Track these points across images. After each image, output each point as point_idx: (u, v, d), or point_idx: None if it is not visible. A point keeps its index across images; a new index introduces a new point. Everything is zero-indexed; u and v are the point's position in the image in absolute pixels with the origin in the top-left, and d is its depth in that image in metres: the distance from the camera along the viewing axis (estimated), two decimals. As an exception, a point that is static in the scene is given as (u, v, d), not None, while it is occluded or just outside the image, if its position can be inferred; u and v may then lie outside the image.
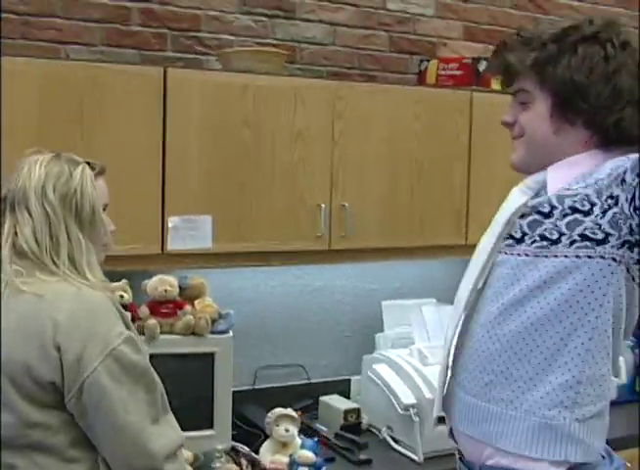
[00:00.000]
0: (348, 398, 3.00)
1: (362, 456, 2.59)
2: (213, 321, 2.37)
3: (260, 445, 2.51)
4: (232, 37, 2.83)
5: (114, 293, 2.27)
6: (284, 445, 2.43)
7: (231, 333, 2.40)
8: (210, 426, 2.35)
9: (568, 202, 1.65)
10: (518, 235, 1.70)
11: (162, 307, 2.31)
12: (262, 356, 2.99)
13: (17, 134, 2.20)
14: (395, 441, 2.70)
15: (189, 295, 2.39)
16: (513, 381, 1.67)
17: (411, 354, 2.78)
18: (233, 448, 2.44)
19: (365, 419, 2.85)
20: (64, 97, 2.26)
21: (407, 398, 2.62)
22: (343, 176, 2.66)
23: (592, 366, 1.64)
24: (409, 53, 3.16)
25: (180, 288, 2.37)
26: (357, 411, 2.83)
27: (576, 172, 1.68)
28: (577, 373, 1.64)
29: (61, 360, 1.61)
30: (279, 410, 2.45)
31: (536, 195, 1.73)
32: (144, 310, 2.30)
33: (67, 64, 2.30)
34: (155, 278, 2.34)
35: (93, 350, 1.62)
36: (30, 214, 1.72)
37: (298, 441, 2.44)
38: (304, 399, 2.94)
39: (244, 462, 2.32)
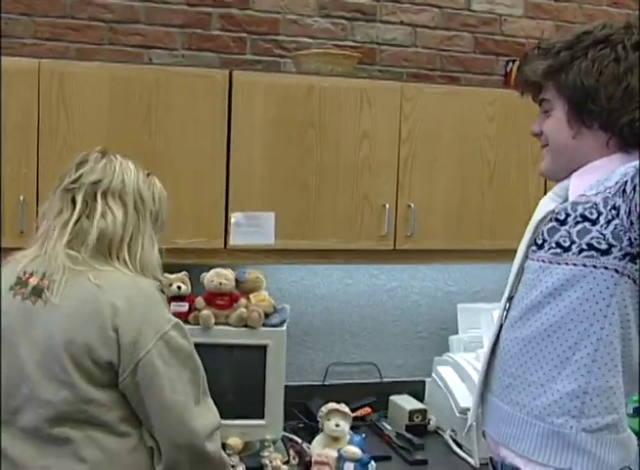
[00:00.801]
0: (422, 399, 3.00)
1: (418, 457, 2.60)
2: (268, 315, 2.45)
3: (318, 438, 2.58)
4: (310, 40, 2.91)
5: (173, 284, 2.41)
6: (335, 439, 2.48)
7: (285, 327, 2.47)
8: (261, 416, 2.43)
9: (580, 209, 1.63)
10: (539, 241, 1.69)
11: (218, 299, 2.41)
12: (335, 353, 3.05)
13: (88, 134, 2.38)
14: (458, 444, 2.69)
15: (245, 288, 2.48)
16: (527, 385, 1.67)
17: (477, 358, 2.76)
18: (286, 439, 2.52)
19: (433, 421, 2.84)
20: (133, 99, 2.41)
21: (465, 401, 2.60)
22: (410, 177, 2.67)
23: (599, 377, 1.61)
24: (495, 54, 3.12)
25: (237, 281, 2.47)
26: (424, 412, 2.83)
27: (596, 178, 1.65)
28: (584, 383, 1.61)
29: (118, 342, 1.75)
30: (331, 405, 2.50)
31: (564, 201, 1.71)
32: (200, 301, 2.41)
33: (136, 67, 2.44)
34: (212, 271, 2.45)
35: (147, 333, 1.76)
36: (125, 206, 1.86)
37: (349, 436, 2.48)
38: (372, 396, 2.98)
39: (292, 453, 2.38)
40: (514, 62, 3.05)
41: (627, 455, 1.66)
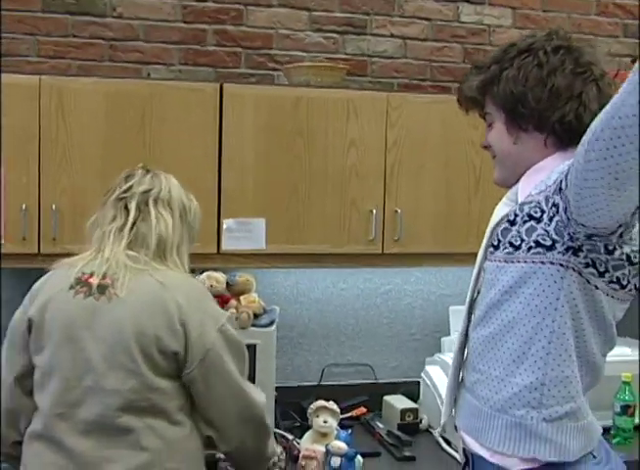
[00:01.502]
0: (416, 399, 3.09)
1: (406, 453, 2.69)
2: (257, 316, 2.56)
3: (310, 435, 2.68)
4: (303, 53, 3.03)
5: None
6: (323, 435, 2.58)
7: (274, 327, 2.58)
8: (251, 413, 2.54)
9: (526, 209, 1.73)
10: (495, 243, 1.80)
11: (210, 301, 2.53)
12: (330, 355, 3.15)
13: (86, 145, 2.52)
14: (447, 441, 2.77)
15: (236, 290, 2.59)
16: (491, 380, 1.77)
17: (465, 358, 2.84)
18: (278, 435, 2.62)
19: (425, 419, 2.93)
20: (127, 112, 2.54)
21: (450, 399, 2.68)
22: (397, 183, 2.78)
23: (554, 368, 1.70)
24: (484, 64, 3.21)
25: (228, 284, 2.58)
26: (415, 411, 2.92)
27: (540, 178, 1.75)
28: (541, 375, 1.71)
29: (186, 335, 1.92)
30: (320, 402, 2.60)
31: (516, 205, 1.81)
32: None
33: (130, 82, 2.58)
34: (204, 274, 2.56)
35: (209, 326, 1.96)
36: (172, 214, 2.06)
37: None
38: (368, 397, 3.07)
39: (280, 449, 2.48)
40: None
41: (589, 442, 1.74)
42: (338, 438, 2.52)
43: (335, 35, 3.06)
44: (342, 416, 2.94)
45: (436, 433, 2.82)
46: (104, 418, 1.89)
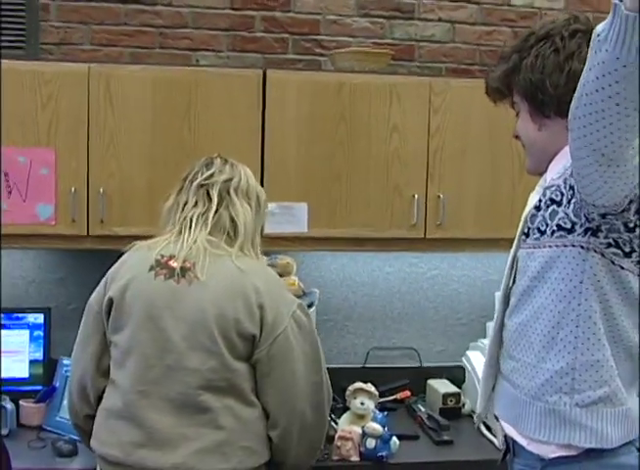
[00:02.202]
0: (461, 384, 3.09)
1: (445, 437, 2.71)
2: (297, 298, 2.60)
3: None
4: (350, 39, 3.05)
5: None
6: (360, 416, 2.61)
7: (313, 309, 2.62)
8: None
9: (548, 193, 1.73)
10: (526, 230, 1.80)
11: (250, 283, 2.59)
12: (376, 338, 3.18)
13: (133, 130, 2.60)
14: (487, 426, 2.77)
15: (276, 273, 2.63)
16: (524, 368, 1.78)
17: (508, 344, 2.83)
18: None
19: (467, 404, 2.94)
20: (173, 98, 2.61)
21: (490, 384, 2.68)
22: (440, 168, 2.78)
23: (584, 352, 1.69)
24: (535, 47, 3.17)
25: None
26: (457, 396, 2.93)
27: (564, 162, 1.74)
28: (571, 360, 1.70)
29: (262, 318, 2.00)
30: (357, 384, 2.63)
31: None
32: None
33: (175, 69, 2.65)
34: (245, 257, 2.62)
35: (283, 311, 2.04)
36: (250, 204, 2.14)
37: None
38: (412, 380, 3.09)
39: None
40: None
41: (631, 430, 1.72)
42: (374, 420, 2.56)
43: (382, 20, 3.07)
44: (385, 399, 2.99)
45: (475, 418, 2.82)
46: (184, 396, 1.98)
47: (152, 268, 2.03)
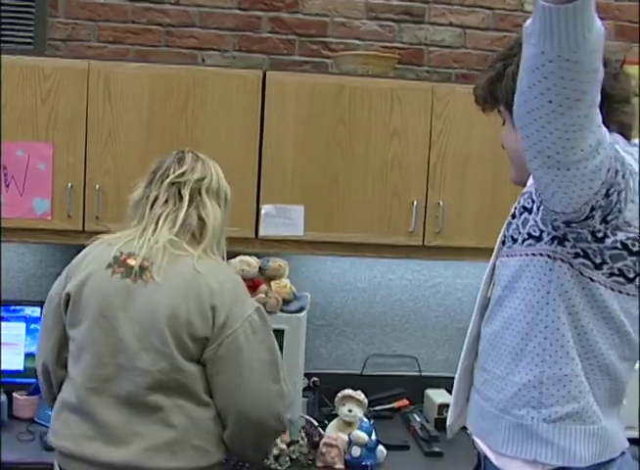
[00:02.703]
0: (461, 395, 3.04)
1: (436, 449, 2.66)
2: (288, 302, 2.58)
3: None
4: (358, 42, 3.02)
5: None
6: (348, 424, 2.58)
7: (302, 314, 2.59)
8: (278, 396, 2.56)
9: (522, 201, 1.69)
10: (503, 239, 1.75)
11: (241, 285, 2.57)
12: (375, 345, 3.14)
13: (130, 127, 2.60)
14: (482, 439, 2.72)
15: (268, 275, 2.62)
16: (494, 379, 1.72)
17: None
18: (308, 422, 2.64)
19: (464, 416, 2.89)
20: (171, 96, 2.61)
21: (482, 396, 2.63)
22: (441, 175, 2.74)
23: (552, 366, 1.63)
24: (547, 55, 3.11)
25: (261, 269, 2.61)
26: (453, 407, 2.88)
27: None
28: (538, 373, 1.64)
29: (213, 320, 1.97)
30: (346, 391, 2.60)
31: None
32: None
33: (173, 67, 2.64)
34: (237, 258, 2.60)
35: (236, 314, 2.00)
36: (219, 204, 2.13)
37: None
38: (411, 389, 3.05)
39: (302, 434, 2.51)
40: (566, 62, 3.04)
41: (604, 450, 1.65)
42: (360, 428, 2.52)
43: (391, 23, 3.03)
44: (383, 407, 2.95)
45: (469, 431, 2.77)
46: (134, 395, 1.97)
47: (110, 265, 2.02)
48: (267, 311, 2.53)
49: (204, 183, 2.09)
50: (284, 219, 2.68)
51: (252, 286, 2.57)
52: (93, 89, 2.58)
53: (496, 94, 1.78)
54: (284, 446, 2.45)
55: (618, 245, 1.56)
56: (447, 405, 2.82)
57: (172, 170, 2.10)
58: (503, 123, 1.85)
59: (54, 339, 2.10)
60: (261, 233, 2.68)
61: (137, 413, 1.97)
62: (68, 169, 2.59)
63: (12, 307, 2.82)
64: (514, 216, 1.71)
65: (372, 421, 2.56)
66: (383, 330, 3.15)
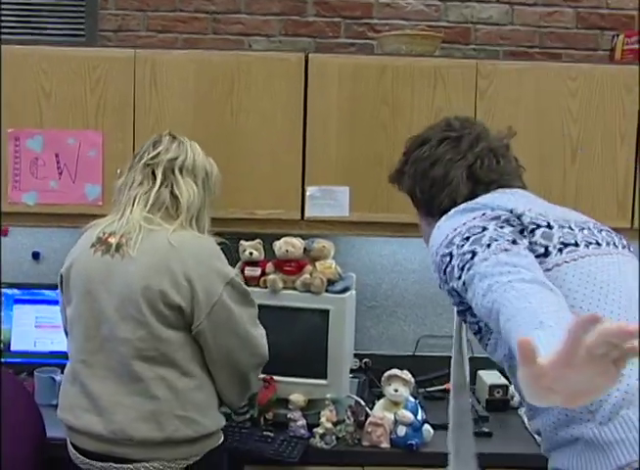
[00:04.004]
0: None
1: (485, 429, 2.65)
2: (333, 282, 2.60)
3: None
4: (403, 22, 3.01)
5: (246, 250, 2.64)
6: (395, 403, 2.59)
7: (347, 294, 2.60)
8: (324, 376, 2.59)
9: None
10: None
11: (286, 265, 2.60)
12: (427, 326, 3.13)
13: (177, 113, 2.66)
14: (533, 420, 2.69)
15: (313, 256, 2.63)
16: None
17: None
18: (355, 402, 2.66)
19: (516, 397, 2.86)
20: (216, 82, 2.65)
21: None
22: (487, 153, 2.70)
23: None
24: (599, 28, 3.04)
25: (305, 250, 2.64)
26: (505, 388, 2.86)
27: None
28: None
29: (191, 291, 2.09)
30: (393, 371, 2.60)
31: None
32: (269, 267, 2.61)
33: (218, 53, 2.68)
34: (282, 239, 2.63)
35: (215, 281, 2.12)
36: (195, 182, 2.21)
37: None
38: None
39: (349, 413, 2.53)
40: (619, 36, 2.97)
41: None
42: (406, 407, 2.53)
43: (437, 2, 3.02)
44: (434, 388, 2.95)
45: (521, 412, 2.75)
46: (121, 365, 2.09)
47: (93, 245, 2.17)
48: (312, 292, 2.60)
49: (176, 162, 2.19)
50: (329, 201, 2.70)
51: (297, 266, 2.60)
52: (140, 77, 2.64)
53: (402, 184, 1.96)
54: (330, 425, 2.47)
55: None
56: (499, 386, 2.87)
57: (147, 153, 2.21)
58: None
59: (64, 317, 2.29)
60: (307, 214, 2.71)
61: (122, 384, 2.09)
62: (118, 156, 2.65)
63: (68, 291, 2.92)
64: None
65: (418, 401, 2.56)
66: (434, 311, 3.14)
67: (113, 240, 2.14)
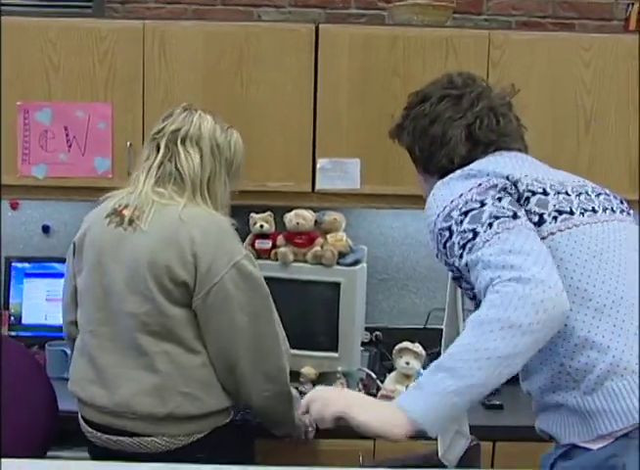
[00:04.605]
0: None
1: (495, 401, 2.65)
2: (344, 255, 2.59)
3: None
4: (416, -9, 2.96)
5: (257, 223, 2.63)
6: (407, 376, 2.58)
7: (359, 267, 2.59)
8: (335, 349, 2.58)
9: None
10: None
11: (297, 238, 2.58)
12: (437, 299, 3.11)
13: (186, 85, 2.64)
14: (544, 392, 2.69)
15: (324, 229, 2.62)
16: None
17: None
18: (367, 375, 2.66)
19: (527, 369, 2.86)
20: (225, 53, 2.63)
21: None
22: (499, 125, 2.68)
23: None
24: (614, -3, 3.01)
25: (316, 222, 2.62)
26: (515, 360, 2.85)
27: None
28: None
29: (195, 266, 2.04)
30: (404, 344, 2.59)
31: None
32: (280, 239, 2.60)
33: (227, 24, 2.66)
34: (293, 212, 2.62)
35: (221, 261, 2.05)
36: (201, 151, 2.15)
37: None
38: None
39: (360, 386, 2.53)
40: (633, 5, 2.93)
41: None
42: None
43: (448, -28, 2.97)
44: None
45: (533, 383, 2.75)
46: (127, 338, 2.07)
47: (107, 216, 2.15)
48: (323, 264, 2.59)
49: (179, 133, 2.14)
50: (340, 173, 2.69)
51: (308, 239, 2.59)
52: (148, 49, 2.62)
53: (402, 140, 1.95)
54: (340, 396, 2.47)
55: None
56: (509, 358, 2.85)
57: (156, 126, 2.19)
58: None
59: (71, 286, 2.25)
60: (318, 187, 2.69)
61: (127, 357, 2.07)
62: (127, 128, 2.65)
63: (80, 265, 2.92)
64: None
65: (428, 373, 2.55)
66: (445, 284, 3.08)
67: (126, 212, 2.12)
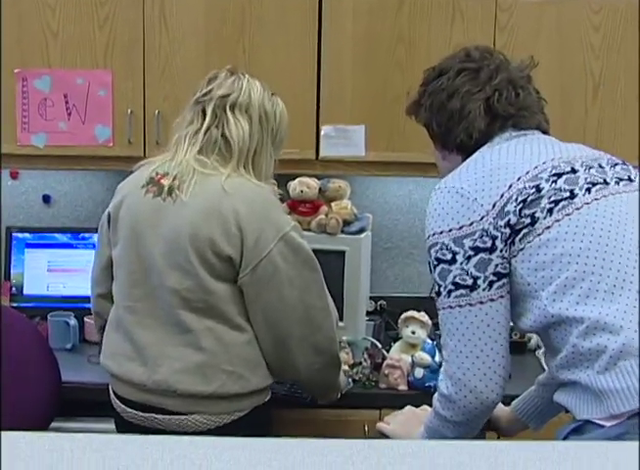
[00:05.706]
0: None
1: (501, 370, 2.63)
2: (349, 223, 2.56)
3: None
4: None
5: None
6: (412, 346, 2.56)
7: (363, 235, 2.56)
8: (340, 318, 2.54)
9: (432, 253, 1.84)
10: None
11: (301, 206, 2.55)
12: (443, 268, 3.09)
13: (187, 52, 2.60)
14: (550, 361, 2.68)
15: (329, 197, 2.58)
16: None
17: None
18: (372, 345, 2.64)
19: (533, 339, 2.84)
20: (227, 18, 2.58)
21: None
22: (506, 90, 2.63)
23: None
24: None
25: (321, 190, 2.59)
26: (522, 329, 2.84)
27: None
28: None
29: (242, 240, 1.95)
30: (410, 313, 2.57)
31: None
32: (284, 208, 2.57)
33: (229, -13, 2.60)
34: (297, 180, 2.58)
35: (268, 234, 1.97)
36: (250, 120, 2.06)
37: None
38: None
39: (365, 355, 2.51)
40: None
41: None
42: (423, 349, 2.51)
43: None
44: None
45: (539, 353, 2.73)
46: (168, 314, 1.99)
47: (144, 185, 2.04)
48: (328, 233, 2.56)
49: (229, 99, 2.03)
50: (344, 140, 2.65)
51: (312, 207, 2.55)
52: (149, 15, 2.57)
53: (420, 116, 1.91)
54: (346, 368, 2.45)
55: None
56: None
57: (201, 89, 2.07)
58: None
59: (104, 258, 2.16)
60: (321, 154, 2.65)
61: (169, 334, 1.99)
62: (128, 95, 2.60)
63: (80, 235, 2.89)
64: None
65: (435, 343, 2.53)
66: (450, 253, 3.09)
67: (165, 182, 2.01)
